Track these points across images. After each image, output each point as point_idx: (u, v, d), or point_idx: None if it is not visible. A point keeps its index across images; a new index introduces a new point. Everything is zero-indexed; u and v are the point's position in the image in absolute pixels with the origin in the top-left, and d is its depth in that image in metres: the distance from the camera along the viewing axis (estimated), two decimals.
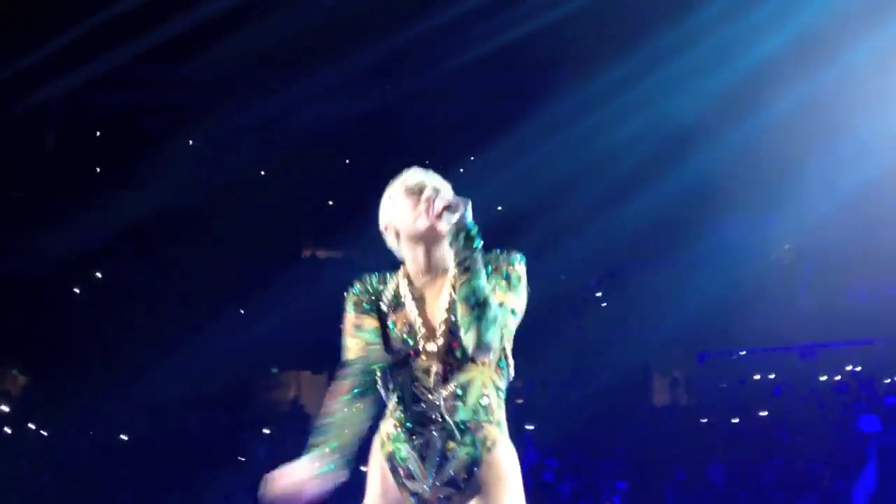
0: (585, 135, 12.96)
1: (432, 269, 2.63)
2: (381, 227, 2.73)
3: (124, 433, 14.17)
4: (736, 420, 15.29)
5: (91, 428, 13.69)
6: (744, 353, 17.19)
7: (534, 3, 13.41)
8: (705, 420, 15.43)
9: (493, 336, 2.43)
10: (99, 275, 15.98)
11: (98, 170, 15.99)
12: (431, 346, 2.55)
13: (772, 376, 16.85)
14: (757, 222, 16.73)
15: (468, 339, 2.43)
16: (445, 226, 2.51)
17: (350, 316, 2.71)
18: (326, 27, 13.93)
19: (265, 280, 15.51)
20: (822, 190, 15.26)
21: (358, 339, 2.65)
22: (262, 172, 16.22)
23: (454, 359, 2.52)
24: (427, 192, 2.59)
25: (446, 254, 2.60)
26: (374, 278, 2.72)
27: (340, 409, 2.52)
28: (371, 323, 2.66)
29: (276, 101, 14.81)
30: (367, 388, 2.56)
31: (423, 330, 2.57)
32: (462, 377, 2.51)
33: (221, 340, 14.36)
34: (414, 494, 2.49)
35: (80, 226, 15.32)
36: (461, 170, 15.21)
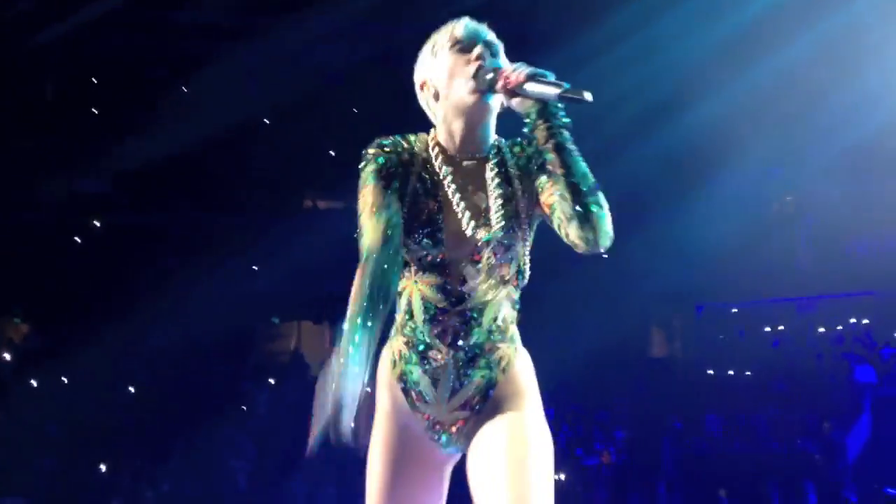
0: (585, 84, 12.77)
1: (473, 149, 2.32)
2: (417, 82, 2.38)
3: (126, 383, 14.29)
4: (733, 371, 15.42)
5: (93, 377, 13.78)
6: (739, 308, 17.26)
7: None
8: (702, 371, 15.56)
9: (611, 226, 2.25)
10: (97, 223, 15.94)
11: (96, 118, 15.87)
12: (459, 256, 2.27)
13: (770, 329, 16.95)
14: (758, 174, 16.67)
15: (596, 233, 2.21)
16: (515, 96, 2.21)
17: (373, 189, 2.25)
18: None
19: (266, 230, 15.51)
20: (824, 142, 15.18)
21: (380, 222, 2.21)
22: (265, 120, 16.11)
23: (478, 274, 2.30)
24: (478, 50, 2.28)
25: (490, 132, 2.35)
26: (399, 145, 2.33)
27: (360, 310, 2.20)
28: (397, 204, 2.25)
29: (277, 47, 14.65)
30: (388, 288, 2.21)
31: (456, 236, 2.28)
32: (481, 295, 2.30)
33: (222, 290, 14.39)
34: (427, 417, 2.38)
35: (79, 175, 15.28)
36: None
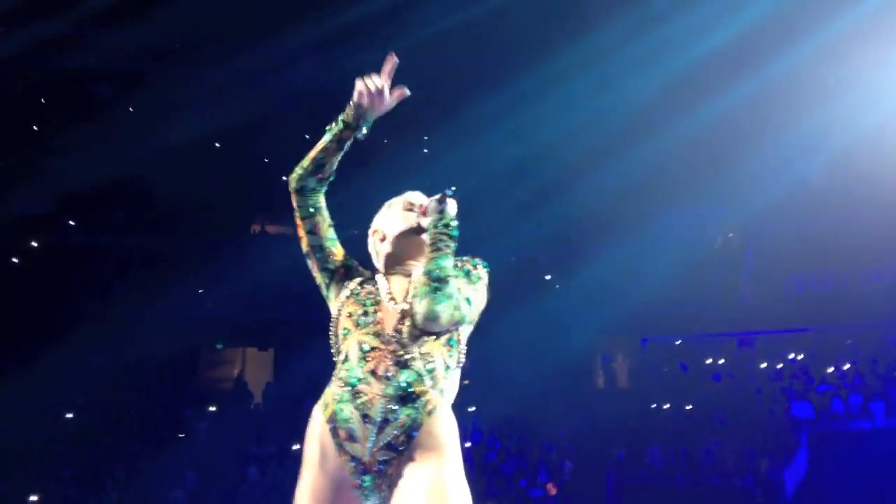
0: (534, 122, 13.02)
1: (405, 263, 2.75)
2: (370, 230, 2.85)
3: (64, 408, 13.94)
4: (675, 405, 15.59)
5: (29, 401, 13.43)
6: (682, 341, 17.50)
7: None
8: (646, 404, 15.71)
9: (443, 309, 2.53)
10: (36, 244, 15.61)
11: (39, 137, 15.61)
12: (390, 307, 2.62)
13: (710, 362, 17.20)
14: (702, 212, 17.01)
15: (420, 306, 2.53)
16: (428, 218, 2.67)
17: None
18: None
19: (213, 254, 15.35)
20: (767, 182, 15.56)
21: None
22: (215, 144, 15.99)
23: (409, 327, 2.58)
24: (421, 201, 2.77)
25: (420, 254, 2.72)
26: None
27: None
28: (339, 252, 2.82)
29: (229, 71, 14.60)
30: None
31: (387, 296, 2.65)
32: (412, 346, 2.56)
33: (166, 314, 14.19)
34: (353, 459, 2.50)
35: (21, 195, 14.98)
36: (417, 150, 15.18)
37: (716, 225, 17.66)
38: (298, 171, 2.82)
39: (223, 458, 14.15)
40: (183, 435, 14.55)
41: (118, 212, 15.31)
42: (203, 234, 16.00)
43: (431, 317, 2.53)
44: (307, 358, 14.19)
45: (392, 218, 2.81)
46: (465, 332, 2.68)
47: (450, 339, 2.62)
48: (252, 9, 13.89)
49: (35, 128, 15.64)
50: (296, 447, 13.76)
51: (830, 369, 15.58)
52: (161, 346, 14.07)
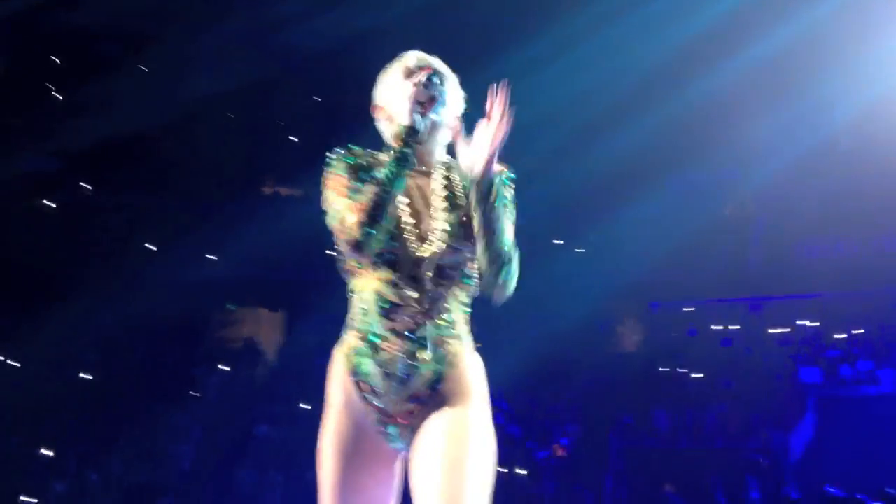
0: (543, 86, 12.90)
1: (420, 163, 2.48)
2: (375, 108, 2.57)
3: (74, 365, 14.07)
4: (683, 369, 15.64)
5: (40, 359, 13.56)
6: (691, 307, 17.50)
7: None
8: (654, 368, 15.76)
9: (514, 284, 2.49)
10: (48, 203, 15.64)
11: (49, 95, 15.56)
12: (410, 253, 2.42)
13: (721, 328, 17.21)
14: (713, 176, 16.91)
15: (496, 290, 2.46)
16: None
17: (341, 178, 2.42)
18: None
19: (225, 215, 15.36)
20: (779, 146, 15.45)
21: (355, 200, 2.37)
22: (227, 104, 15.92)
23: (427, 272, 2.43)
24: (421, 77, 2.44)
25: (434, 149, 2.52)
26: (363, 152, 2.52)
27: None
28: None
29: (242, 30, 14.50)
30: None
31: (408, 234, 2.43)
32: (432, 290, 2.43)
33: (178, 274, 14.24)
34: (378, 410, 2.44)
35: (33, 153, 14.98)
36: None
37: (727, 189, 17.56)
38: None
39: (233, 417, 14.31)
40: (194, 393, 14.70)
41: (130, 171, 15.29)
42: (216, 194, 16.01)
43: (507, 296, 2.50)
44: (319, 319, 14.30)
45: (396, 92, 2.47)
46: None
47: (463, 276, 2.51)
48: None
49: (47, 85, 15.59)
50: (307, 407, 13.90)
51: (840, 335, 15.58)
52: (172, 306, 14.16)
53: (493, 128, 2.38)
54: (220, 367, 15.81)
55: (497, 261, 2.42)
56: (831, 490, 8.88)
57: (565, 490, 12.50)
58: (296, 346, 16.02)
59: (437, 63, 2.53)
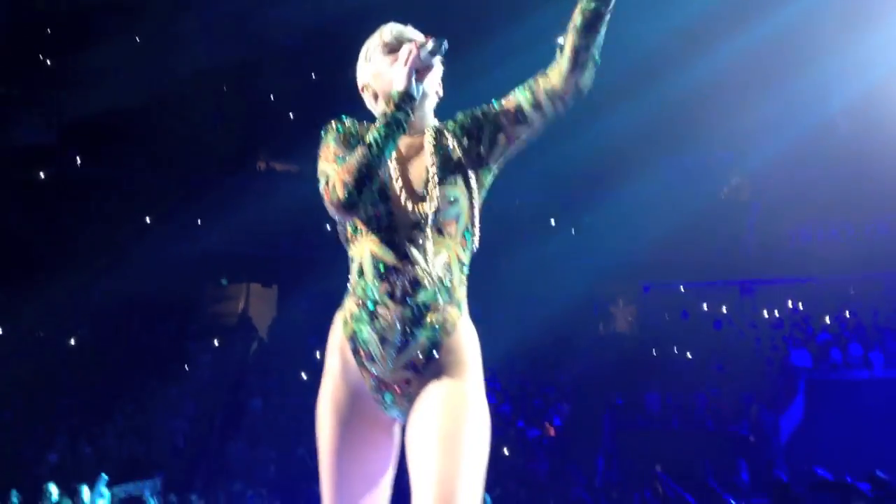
0: (542, 62, 12.79)
1: (412, 131, 2.48)
2: (359, 87, 2.56)
3: (70, 337, 14.08)
4: (675, 351, 15.70)
5: (33, 330, 13.56)
6: (684, 288, 17.55)
7: None
8: (646, 350, 15.82)
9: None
10: (42, 175, 15.58)
11: (43, 67, 15.45)
12: (406, 214, 2.41)
13: (711, 309, 17.27)
14: (709, 158, 16.91)
15: (587, 76, 2.48)
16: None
17: (335, 144, 2.45)
18: None
19: (219, 189, 15.32)
20: (774, 130, 15.43)
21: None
22: (222, 79, 15.83)
23: (424, 231, 2.41)
24: (405, 49, 2.43)
25: (426, 113, 2.51)
26: (355, 123, 2.52)
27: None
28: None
29: (238, 5, 14.39)
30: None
31: (402, 194, 2.42)
32: (429, 250, 2.41)
33: (172, 248, 14.22)
34: (374, 377, 2.43)
35: (28, 124, 14.90)
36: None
37: (722, 172, 17.57)
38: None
39: (225, 391, 14.34)
40: (186, 367, 14.72)
41: (124, 145, 15.23)
42: (209, 169, 15.97)
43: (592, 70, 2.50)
44: (310, 294, 14.31)
45: (379, 68, 2.50)
46: (479, 202, 2.52)
47: (465, 231, 2.48)
48: None
49: (41, 57, 15.47)
50: (300, 378, 13.95)
51: (832, 319, 15.65)
52: (166, 281, 14.15)
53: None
54: (213, 341, 15.83)
55: (585, 57, 2.46)
56: (820, 472, 8.94)
57: (557, 469, 12.57)
58: (288, 321, 16.04)
59: (410, 33, 2.52)
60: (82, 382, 13.20)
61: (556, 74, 2.47)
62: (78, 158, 15.73)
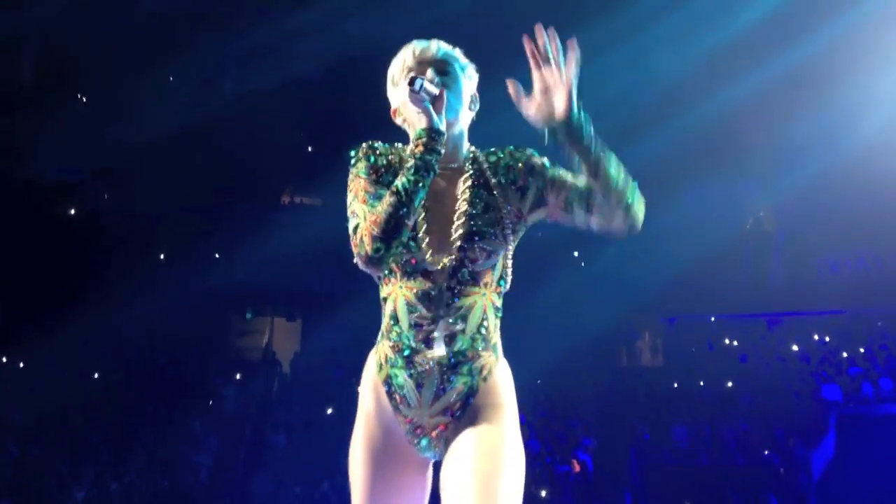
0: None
1: (446, 161, 2.35)
2: (391, 111, 2.46)
3: (95, 370, 14.12)
4: (702, 384, 15.51)
5: (61, 365, 13.62)
6: (710, 321, 17.38)
7: None
8: (672, 382, 15.64)
9: (641, 213, 2.39)
10: (71, 210, 15.76)
11: (73, 103, 15.69)
12: (439, 261, 2.32)
13: (737, 343, 17.08)
14: (734, 190, 16.82)
15: (629, 221, 2.38)
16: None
17: (365, 181, 2.31)
18: None
19: (243, 223, 15.42)
20: (800, 161, 15.33)
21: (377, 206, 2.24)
22: (245, 113, 16.01)
23: (459, 279, 2.34)
24: (403, 89, 2.32)
25: (460, 137, 2.40)
26: (387, 149, 2.40)
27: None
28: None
29: (262, 38, 14.57)
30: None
31: (436, 242, 2.33)
32: (463, 301, 2.35)
33: (196, 282, 14.29)
34: (409, 421, 2.42)
35: (55, 158, 15.09)
36: None
37: (747, 203, 17.46)
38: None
39: (250, 425, 14.31)
40: (211, 402, 14.71)
41: (150, 180, 15.39)
42: (234, 203, 16.08)
43: (638, 227, 2.39)
44: (335, 329, 14.30)
45: (405, 94, 2.32)
46: (512, 250, 2.44)
47: (501, 278, 2.42)
48: None
49: (75, 100, 15.72)
50: (323, 413, 13.90)
51: (861, 352, 15.42)
52: (191, 315, 14.21)
53: (557, 63, 2.23)
54: (237, 376, 15.84)
55: (613, 198, 2.33)
56: None
57: None
58: (311, 355, 16.03)
59: (434, 48, 2.40)
60: (107, 418, 13.22)
61: (600, 214, 2.37)
62: (104, 193, 15.90)
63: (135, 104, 14.19)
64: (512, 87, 2.25)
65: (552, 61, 2.21)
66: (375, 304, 2.52)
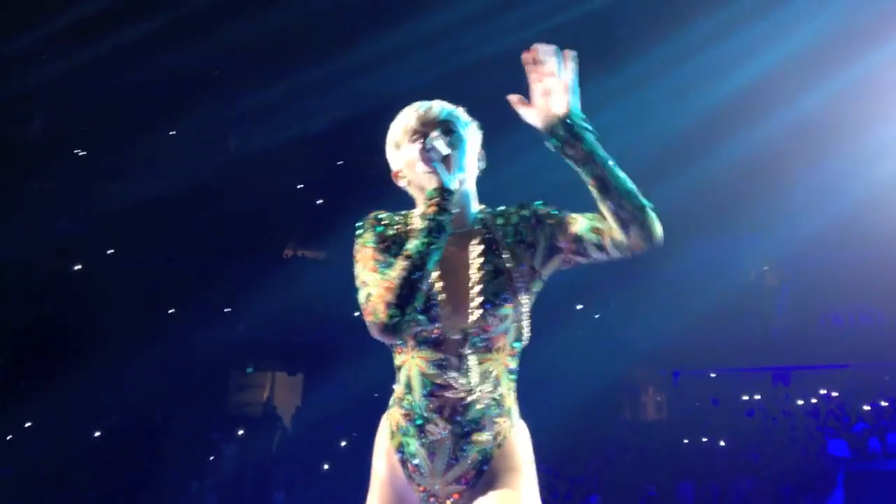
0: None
1: (455, 224, 2.29)
2: (392, 174, 2.43)
3: (94, 428, 13.99)
4: (707, 439, 15.33)
5: (60, 421, 13.49)
6: (715, 375, 17.27)
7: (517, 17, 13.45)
8: (677, 438, 15.46)
9: (658, 231, 2.28)
10: (75, 266, 15.77)
11: (78, 159, 15.81)
12: (453, 330, 2.28)
13: (745, 397, 16.93)
14: (738, 242, 16.83)
15: (646, 231, 2.27)
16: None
17: (370, 250, 2.26)
18: (317, 26, 13.91)
19: (245, 277, 15.40)
20: (804, 215, 15.37)
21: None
22: (249, 167, 16.13)
23: (473, 346, 2.31)
24: (414, 148, 2.32)
25: (468, 205, 2.36)
26: (394, 220, 2.35)
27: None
28: None
29: (265, 97, 14.73)
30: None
31: (448, 310, 2.29)
32: (478, 369, 2.32)
33: (197, 336, 14.23)
34: (423, 490, 2.39)
35: (58, 215, 15.16)
36: None
37: (751, 256, 17.46)
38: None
39: (250, 482, 14.12)
40: (211, 458, 14.54)
41: (152, 234, 15.43)
42: (235, 256, 16.09)
43: (662, 234, 2.28)
44: (336, 382, 14.20)
45: (409, 157, 2.33)
46: (529, 307, 2.40)
47: (516, 339, 2.39)
48: (280, 36, 14.02)
49: (78, 158, 15.85)
50: (322, 470, 13.72)
51: (867, 407, 15.27)
52: (191, 369, 14.11)
53: (551, 64, 2.20)
54: (238, 432, 15.68)
55: (627, 204, 2.26)
56: None
57: None
58: (313, 410, 15.88)
59: (437, 109, 2.38)
60: (107, 475, 13.06)
61: (616, 233, 2.29)
62: (103, 247, 15.92)
63: (140, 161, 14.30)
64: (514, 97, 2.25)
65: (550, 64, 2.20)
66: (377, 359, 2.50)
